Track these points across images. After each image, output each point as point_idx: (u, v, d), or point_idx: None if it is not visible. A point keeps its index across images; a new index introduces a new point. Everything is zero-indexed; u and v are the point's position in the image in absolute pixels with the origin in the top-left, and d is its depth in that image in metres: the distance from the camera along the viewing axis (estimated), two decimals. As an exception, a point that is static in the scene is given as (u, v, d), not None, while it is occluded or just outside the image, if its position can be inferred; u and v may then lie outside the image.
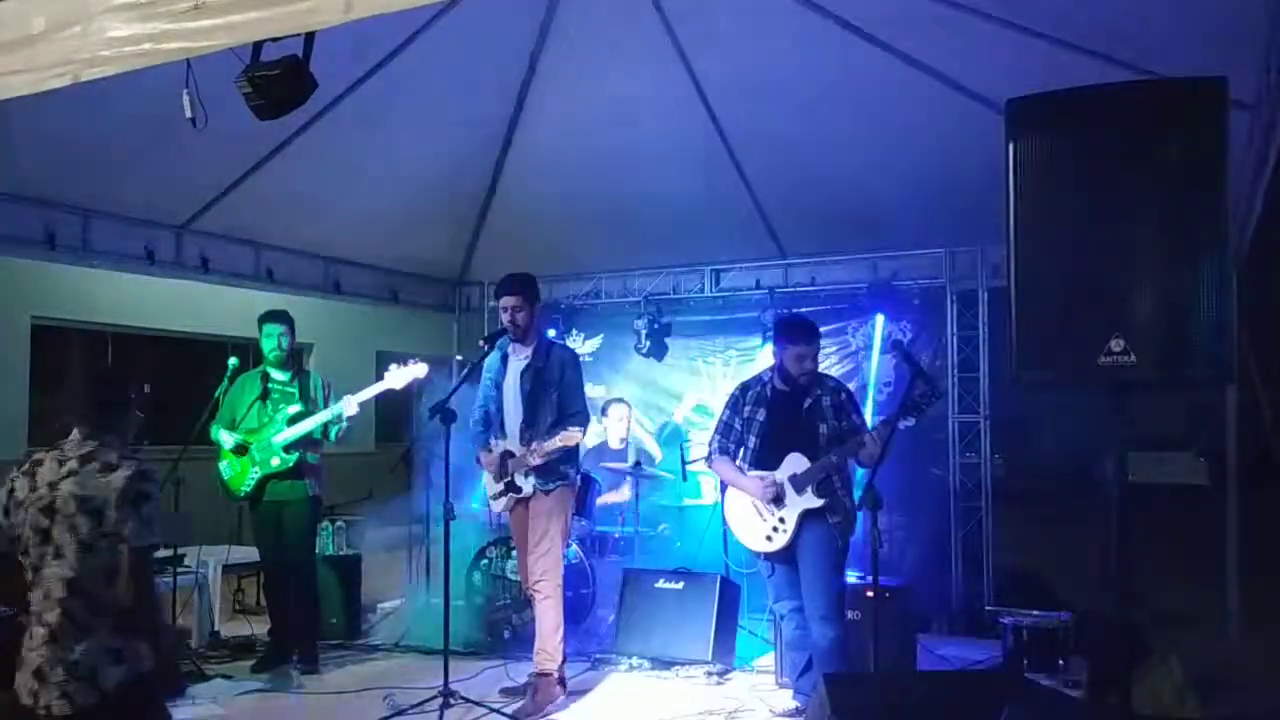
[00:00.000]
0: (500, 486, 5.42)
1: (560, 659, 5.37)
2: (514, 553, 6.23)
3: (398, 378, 6.05)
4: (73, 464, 2.91)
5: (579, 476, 5.66)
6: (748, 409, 5.15)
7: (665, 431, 8.26)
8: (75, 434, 3.00)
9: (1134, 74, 4.35)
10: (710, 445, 5.29)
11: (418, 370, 6.08)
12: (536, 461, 5.26)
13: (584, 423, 5.42)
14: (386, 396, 6.30)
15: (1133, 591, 3.15)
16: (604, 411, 7.65)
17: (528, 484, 5.34)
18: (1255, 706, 4.90)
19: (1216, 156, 2.76)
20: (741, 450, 5.13)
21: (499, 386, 5.51)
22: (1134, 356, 2.76)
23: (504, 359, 5.52)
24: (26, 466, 2.97)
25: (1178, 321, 2.75)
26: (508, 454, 5.39)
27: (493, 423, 5.53)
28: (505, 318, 5.41)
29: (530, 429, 5.33)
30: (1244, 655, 6.14)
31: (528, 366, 5.40)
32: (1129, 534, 3.01)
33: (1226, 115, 2.76)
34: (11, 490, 2.95)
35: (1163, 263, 2.78)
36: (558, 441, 5.20)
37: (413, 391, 6.51)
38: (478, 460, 5.59)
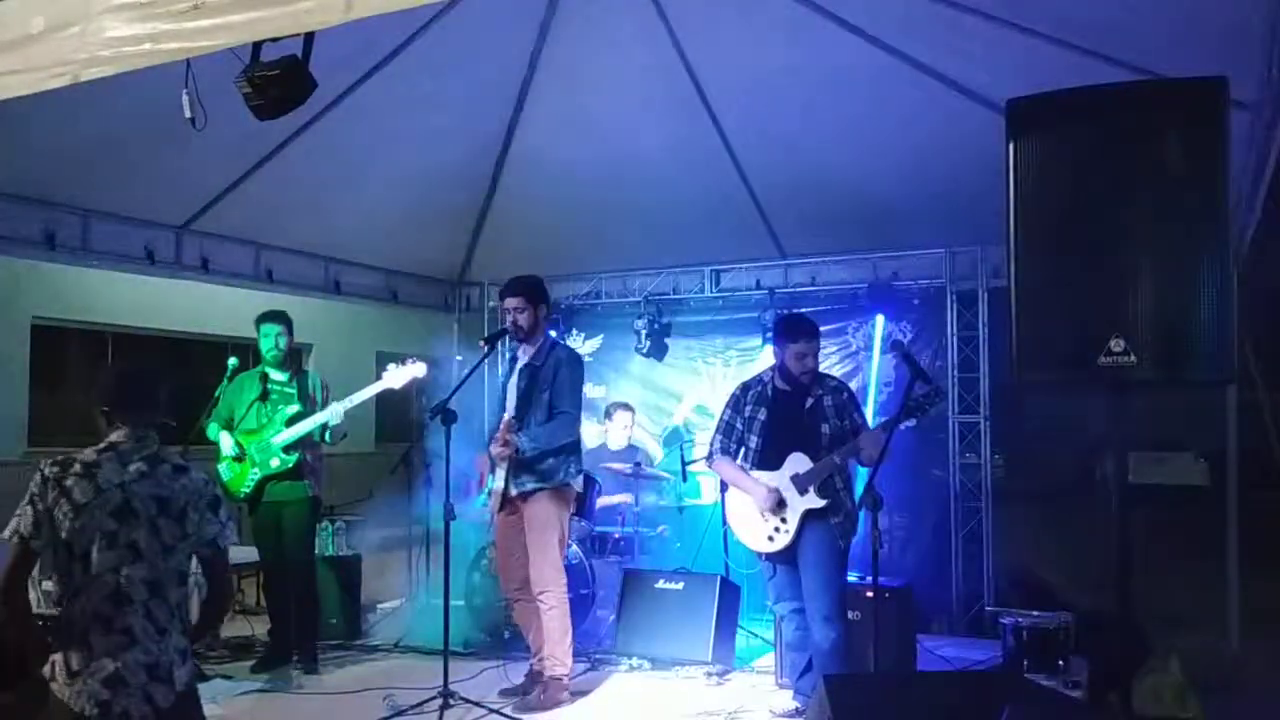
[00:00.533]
0: (485, 486, 5.48)
1: (570, 665, 5.41)
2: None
3: (396, 377, 6.05)
4: (141, 465, 2.90)
5: (579, 479, 5.57)
6: (749, 408, 5.14)
7: (665, 432, 8.26)
8: (119, 434, 2.95)
9: (1134, 74, 4.34)
10: (711, 445, 5.28)
11: (416, 370, 6.08)
12: (497, 450, 5.25)
13: (567, 423, 5.35)
14: (387, 396, 6.30)
15: (1133, 592, 3.14)
16: (608, 414, 7.66)
17: (519, 484, 5.30)
18: (1255, 707, 4.90)
19: (1217, 157, 2.76)
20: (743, 450, 5.13)
21: (504, 387, 5.56)
22: (1134, 357, 2.76)
23: (511, 360, 5.58)
24: (78, 468, 2.85)
25: (1178, 322, 2.75)
26: None
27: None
28: (508, 319, 5.45)
29: (521, 429, 5.30)
30: (1244, 656, 6.13)
31: (526, 365, 5.44)
32: (1129, 535, 3.01)
33: (1226, 115, 2.76)
34: (66, 493, 2.82)
35: (1163, 263, 2.78)
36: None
37: (411, 392, 6.51)
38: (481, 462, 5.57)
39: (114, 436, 2.96)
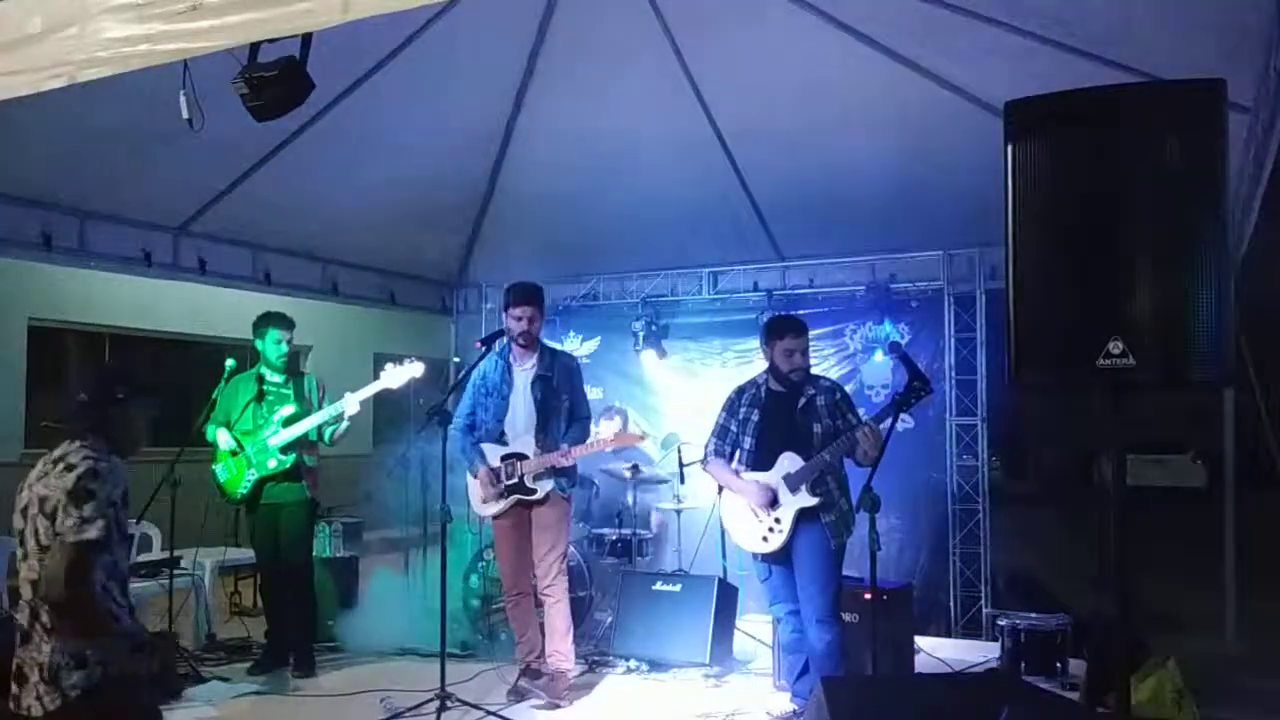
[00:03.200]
0: (500, 489, 5.45)
1: (573, 659, 5.57)
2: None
3: (394, 377, 6.05)
4: (48, 466, 2.91)
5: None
6: (743, 411, 5.15)
7: (662, 434, 8.24)
8: (66, 441, 2.98)
9: (1132, 76, 4.35)
10: (706, 448, 5.28)
11: (414, 369, 6.07)
12: (568, 463, 5.46)
13: (588, 427, 5.70)
14: (383, 398, 6.29)
15: (1130, 594, 3.14)
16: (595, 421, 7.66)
17: (544, 486, 5.45)
18: (1252, 708, 4.90)
19: (1215, 158, 2.75)
20: (737, 453, 5.13)
21: (504, 396, 5.55)
22: (1132, 359, 2.76)
23: (507, 368, 5.57)
24: (34, 470, 2.96)
25: (1176, 324, 2.74)
26: (515, 457, 5.46)
27: (485, 429, 5.58)
28: (519, 327, 5.48)
29: (545, 435, 5.46)
30: (1241, 657, 6.14)
31: (537, 376, 5.52)
32: (1126, 536, 3.01)
33: (1225, 117, 2.75)
34: (18, 493, 2.95)
35: (1161, 265, 2.77)
36: (595, 442, 5.56)
37: (408, 393, 6.50)
38: (473, 470, 5.57)
39: (66, 440, 2.98)
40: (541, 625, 5.61)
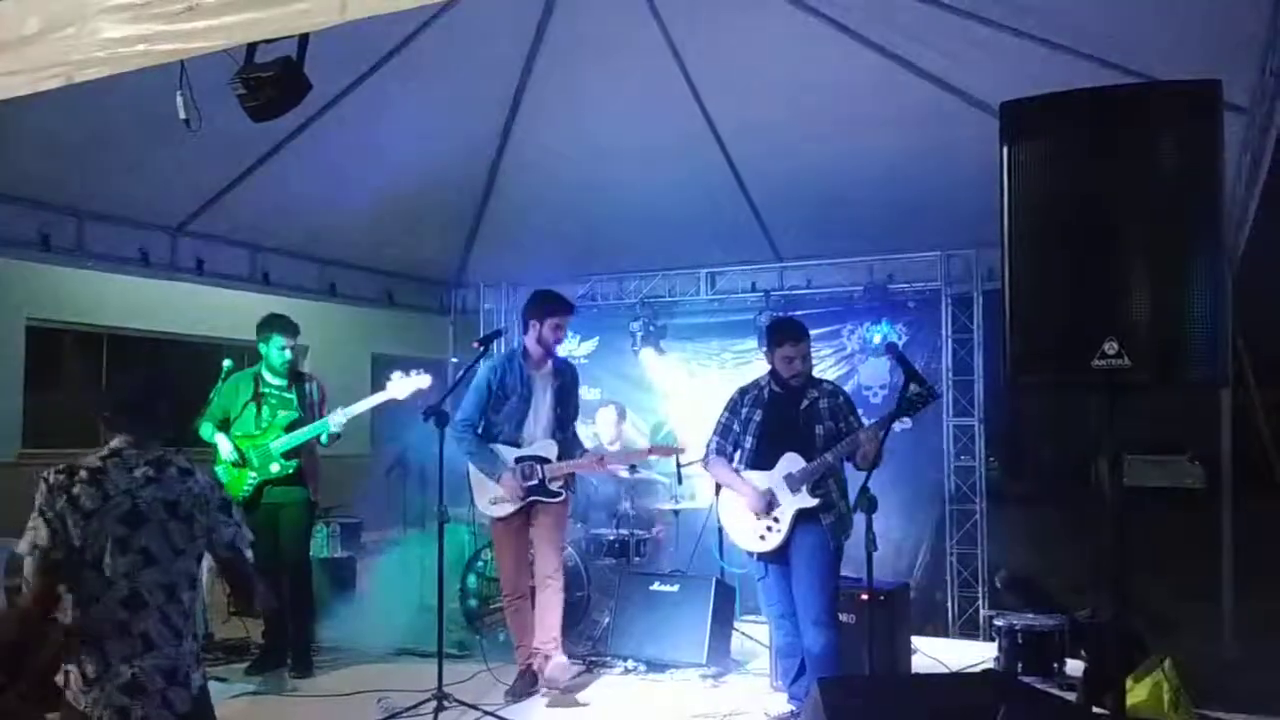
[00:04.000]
0: (521, 491, 5.51)
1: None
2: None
3: (401, 388, 6.04)
4: (148, 470, 2.89)
5: None
6: (745, 410, 5.16)
7: (660, 434, 8.25)
8: (120, 440, 2.94)
9: (1128, 77, 4.36)
10: (708, 446, 5.29)
11: (421, 381, 6.06)
12: (601, 469, 5.97)
13: (575, 429, 5.93)
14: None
15: (1127, 594, 3.14)
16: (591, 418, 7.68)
17: (557, 487, 5.61)
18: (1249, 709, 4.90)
19: (1211, 159, 2.76)
20: (738, 453, 5.14)
21: (525, 399, 5.62)
22: (1129, 359, 2.76)
23: (523, 373, 5.62)
24: (84, 475, 2.83)
25: (1173, 325, 2.74)
26: (534, 460, 5.55)
27: (500, 433, 5.61)
28: (555, 336, 5.63)
29: (563, 439, 5.68)
30: (1238, 658, 6.14)
31: (555, 382, 5.70)
32: (1124, 537, 3.01)
33: (1221, 117, 2.76)
34: (73, 500, 2.80)
35: (1158, 265, 2.78)
36: (632, 453, 6.14)
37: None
38: (490, 471, 5.58)
39: (115, 443, 2.94)
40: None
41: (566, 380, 5.77)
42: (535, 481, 5.54)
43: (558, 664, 5.52)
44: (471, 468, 5.66)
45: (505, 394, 5.61)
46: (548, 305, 5.65)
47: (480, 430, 5.64)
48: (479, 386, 5.65)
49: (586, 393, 7.04)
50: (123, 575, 2.81)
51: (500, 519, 5.62)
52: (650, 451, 6.35)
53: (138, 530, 2.83)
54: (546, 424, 5.64)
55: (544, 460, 5.56)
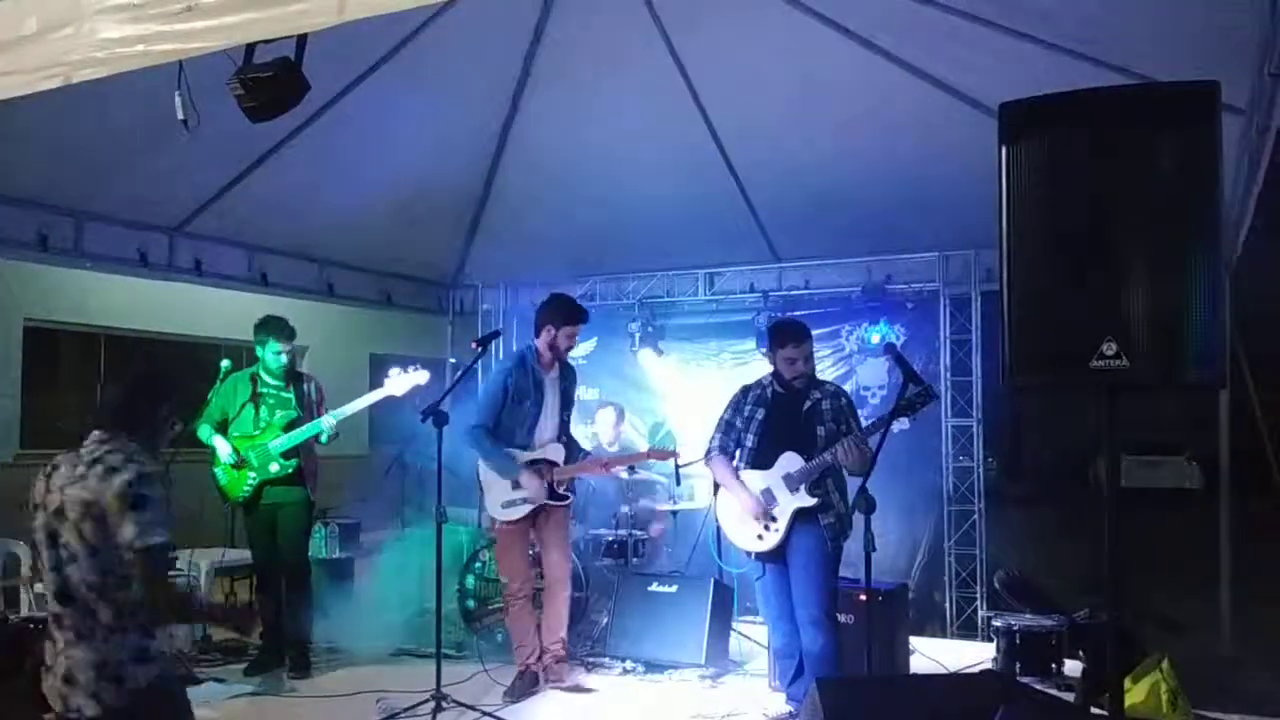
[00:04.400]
0: (545, 492, 5.54)
1: None
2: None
3: (398, 384, 6.04)
4: (81, 468, 2.89)
5: None
6: (748, 408, 5.17)
7: (659, 434, 8.25)
8: (95, 436, 2.96)
9: (1126, 78, 4.36)
10: (710, 443, 5.29)
11: (419, 377, 6.06)
12: (605, 473, 6.11)
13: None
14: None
15: (1126, 595, 3.14)
16: (590, 418, 7.68)
17: (563, 489, 5.69)
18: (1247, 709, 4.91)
19: (1210, 160, 2.75)
20: (739, 451, 5.14)
21: (538, 403, 5.64)
22: (1127, 360, 2.76)
23: (536, 377, 5.64)
24: (48, 469, 2.93)
25: (1171, 325, 2.74)
26: (543, 463, 5.59)
27: (514, 437, 5.61)
28: (568, 343, 5.68)
29: (569, 442, 5.77)
30: (1236, 658, 6.15)
31: (561, 386, 5.75)
32: (1122, 537, 3.01)
33: (1219, 119, 2.76)
34: (32, 493, 2.93)
35: (1156, 266, 2.77)
36: (632, 455, 6.27)
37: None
38: (510, 475, 5.58)
39: (87, 439, 2.96)
40: (538, 624, 5.70)
41: (570, 383, 5.84)
42: (546, 484, 5.58)
43: (570, 665, 5.71)
44: (482, 470, 5.67)
45: (520, 397, 5.61)
46: (567, 312, 5.68)
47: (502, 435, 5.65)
48: (494, 390, 5.65)
49: (585, 393, 7.06)
50: (52, 569, 2.86)
51: (509, 522, 5.63)
52: (648, 455, 6.33)
53: (62, 526, 2.85)
54: (554, 427, 5.70)
55: (553, 464, 5.59)
